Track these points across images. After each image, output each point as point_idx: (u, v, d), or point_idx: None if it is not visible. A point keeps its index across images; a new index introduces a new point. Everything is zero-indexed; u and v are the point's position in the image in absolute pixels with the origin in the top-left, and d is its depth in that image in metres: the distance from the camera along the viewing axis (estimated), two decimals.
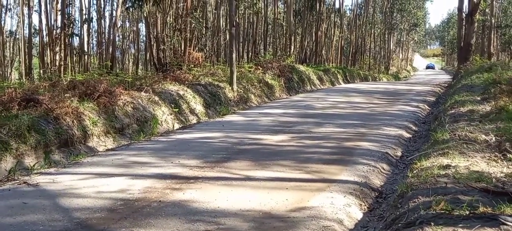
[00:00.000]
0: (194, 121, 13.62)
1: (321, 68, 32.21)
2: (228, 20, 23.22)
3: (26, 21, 25.66)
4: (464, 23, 30.58)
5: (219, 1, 26.19)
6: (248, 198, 5.83)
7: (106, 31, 27.47)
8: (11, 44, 29.86)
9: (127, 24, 32.54)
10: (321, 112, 15.19)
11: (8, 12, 28.92)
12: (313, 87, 26.99)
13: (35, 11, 25.40)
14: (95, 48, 28.63)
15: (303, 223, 5.06)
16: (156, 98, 13.04)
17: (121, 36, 30.51)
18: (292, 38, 33.35)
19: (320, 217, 5.25)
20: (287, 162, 7.90)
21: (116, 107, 11.24)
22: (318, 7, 36.31)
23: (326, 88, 28.02)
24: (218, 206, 5.54)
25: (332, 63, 40.90)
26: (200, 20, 21.96)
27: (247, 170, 7.36)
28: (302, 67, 28.43)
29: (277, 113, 14.76)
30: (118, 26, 27.55)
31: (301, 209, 5.50)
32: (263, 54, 30.01)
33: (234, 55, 18.05)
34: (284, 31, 34.68)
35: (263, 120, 13.45)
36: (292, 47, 33.17)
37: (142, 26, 30.73)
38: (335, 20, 43.67)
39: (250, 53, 31.14)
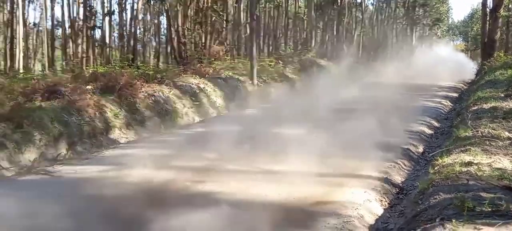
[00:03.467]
0: (214, 114, 13.65)
1: (342, 63, 31.90)
2: (248, 14, 23.20)
3: (49, 13, 25.95)
4: (488, 19, 30.08)
5: None
6: (268, 191, 5.84)
7: (128, 24, 27.63)
8: (35, 36, 30.19)
9: (148, 17, 32.66)
10: (342, 107, 15.07)
11: (31, 4, 29.25)
12: (334, 81, 26.76)
13: (58, 3, 25.68)
14: (116, 41, 28.82)
15: (323, 217, 5.06)
16: (177, 91, 13.10)
17: (142, 29, 30.65)
18: (313, 32, 33.19)
19: (340, 212, 5.24)
20: (307, 156, 7.86)
21: (137, 100, 11.33)
22: (339, 1, 36.07)
23: (347, 82, 27.76)
24: (238, 198, 5.57)
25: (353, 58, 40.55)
26: (221, 13, 21.98)
27: (268, 163, 7.36)
28: (323, 62, 28.28)
29: (297, 108, 14.64)
30: (139, 19, 27.69)
31: (321, 203, 5.49)
32: (283, 49, 29.93)
33: (254, 49, 18.04)
34: (305, 26, 34.53)
35: (283, 113, 13.38)
36: (313, 42, 33.01)
37: (163, 19, 30.83)
38: (357, 14, 43.32)
39: (271, 47, 31.10)
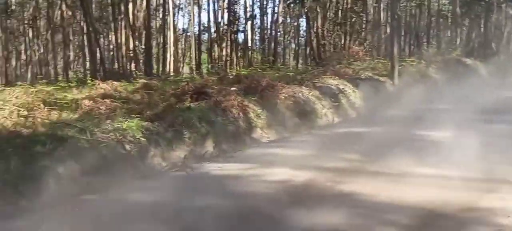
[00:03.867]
0: (354, 115, 13.54)
1: (490, 62, 29.97)
2: (389, 13, 22.66)
3: (196, 19, 27.50)
4: None
5: None
6: (412, 194, 5.67)
7: (268, 27, 28.37)
8: (183, 41, 32.12)
9: (288, 20, 33.21)
10: (491, 107, 14.17)
11: (180, 11, 31.20)
12: (481, 82, 25.22)
13: (204, 9, 27.09)
14: (258, 43, 29.71)
15: (471, 224, 4.82)
16: (316, 92, 13.18)
17: (282, 32, 31.26)
18: (458, 30, 31.48)
19: (490, 219, 4.95)
20: (452, 159, 7.52)
21: (278, 101, 11.59)
22: None
23: (497, 83, 26.00)
24: (380, 200, 5.49)
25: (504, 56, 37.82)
26: (361, 14, 21.74)
27: (411, 166, 7.14)
28: (469, 61, 26.73)
29: (441, 109, 14.08)
30: (280, 22, 28.29)
31: (469, 209, 5.22)
32: (425, 48, 28.78)
33: (395, 49, 17.58)
34: (449, 23, 32.85)
35: (425, 115, 12.91)
36: (458, 40, 31.32)
37: (302, 22, 31.18)
38: (507, 10, 40.24)
39: (412, 47, 30.05)
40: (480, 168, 7.00)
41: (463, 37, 33.65)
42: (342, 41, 20.07)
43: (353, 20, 20.51)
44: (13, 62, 26.42)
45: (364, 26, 23.24)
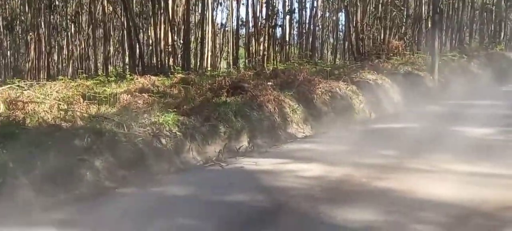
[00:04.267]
0: (392, 111, 13.34)
1: None
2: (430, 7, 22.19)
3: (235, 13, 27.55)
4: None
5: None
6: (449, 192, 5.55)
7: (307, 21, 28.21)
8: (221, 36, 32.25)
9: (327, 14, 32.95)
10: None
11: (219, 6, 31.31)
12: None
13: (243, 4, 27.10)
14: (296, 38, 29.58)
15: (509, 224, 4.69)
16: (354, 87, 13.04)
17: (320, 26, 31.04)
18: (502, 24, 30.64)
19: None
20: (493, 157, 7.32)
21: (315, 96, 11.52)
22: None
23: None
24: (415, 198, 5.39)
25: None
26: (402, 8, 21.39)
27: (448, 163, 6.99)
28: None
29: (482, 105, 13.76)
30: (318, 16, 28.10)
31: (507, 209, 5.08)
32: (468, 42, 28.11)
33: (436, 44, 17.20)
34: (493, 17, 31.99)
35: (466, 111, 12.64)
36: (502, 34, 30.50)
37: (341, 16, 30.89)
38: None
39: (454, 41, 29.37)
40: None
41: (507, 31, 32.74)
42: (382, 36, 19.77)
43: (393, 14, 20.17)
44: (55, 57, 27.05)
45: (404, 20, 22.85)
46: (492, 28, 31.64)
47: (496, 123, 10.54)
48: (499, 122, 10.81)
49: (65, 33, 26.67)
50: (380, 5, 19.91)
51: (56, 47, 27.03)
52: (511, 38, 32.04)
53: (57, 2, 26.01)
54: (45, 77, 21.84)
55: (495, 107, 13.15)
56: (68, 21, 26.55)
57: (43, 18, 25.06)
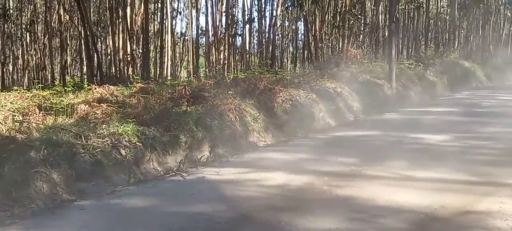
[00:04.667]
0: (352, 119, 13.52)
1: (488, 65, 30.05)
2: (387, 16, 22.65)
3: (194, 23, 27.48)
4: None
5: None
6: (408, 198, 5.64)
7: (266, 30, 28.37)
8: (181, 45, 32.12)
9: (286, 23, 33.24)
10: (488, 111, 14.20)
11: (178, 15, 31.20)
12: (479, 84, 25.30)
13: (202, 13, 27.11)
14: (256, 47, 29.71)
15: (468, 228, 4.79)
16: (314, 95, 13.15)
17: (280, 35, 31.28)
18: (456, 33, 31.53)
19: (488, 223, 4.91)
20: (450, 163, 7.49)
21: (275, 104, 11.56)
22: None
23: (494, 85, 26.10)
24: (376, 205, 5.45)
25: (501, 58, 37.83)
26: (359, 17, 21.73)
27: (407, 170, 7.12)
28: (467, 64, 26.79)
29: (439, 112, 14.11)
30: (278, 25, 28.30)
31: (465, 213, 5.19)
32: (423, 50, 28.80)
33: (393, 52, 17.56)
34: (447, 26, 32.90)
35: (423, 118, 12.94)
36: (456, 43, 31.38)
37: (300, 25, 31.21)
38: (506, 13, 40.24)
39: (410, 50, 30.05)
40: (477, 172, 6.99)
41: (461, 40, 33.71)
42: (340, 44, 20.03)
43: (351, 23, 20.47)
44: (10, 67, 26.37)
45: (362, 29, 23.22)
46: (447, 37, 32.52)
47: (452, 130, 10.80)
48: (455, 128, 11.08)
49: (20, 42, 26.04)
50: (338, 14, 20.18)
51: (11, 57, 26.36)
52: (465, 46, 32.95)
53: (11, 11, 25.38)
54: None
55: (450, 114, 13.49)
56: (23, 30, 25.93)
57: None
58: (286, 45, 34.81)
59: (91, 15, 23.01)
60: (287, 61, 34.00)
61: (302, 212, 5.28)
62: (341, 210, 5.33)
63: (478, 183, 6.48)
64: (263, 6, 28.87)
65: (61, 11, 23.57)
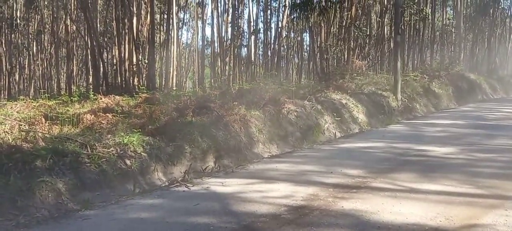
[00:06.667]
0: (356, 130, 13.50)
1: (494, 77, 30.01)
2: (392, 28, 22.67)
3: (200, 33, 27.61)
4: None
5: (384, 9, 25.69)
6: (413, 211, 5.62)
7: (272, 42, 28.44)
8: (187, 55, 32.23)
9: (292, 35, 33.31)
10: (493, 123, 14.17)
11: (184, 26, 31.32)
12: (484, 97, 25.25)
13: (208, 24, 27.23)
14: (261, 58, 29.77)
15: None
16: (319, 107, 13.16)
17: (285, 46, 31.35)
18: (462, 45, 31.52)
19: None
20: (455, 175, 7.47)
21: (280, 115, 11.56)
22: (491, 12, 33.84)
23: (500, 98, 26.03)
24: (381, 217, 5.43)
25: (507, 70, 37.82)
26: (364, 28, 21.76)
27: (412, 182, 7.10)
28: (472, 76, 26.76)
29: (444, 124, 14.08)
30: (283, 36, 28.36)
31: (471, 226, 5.16)
32: (429, 62, 28.78)
33: (398, 64, 17.56)
34: (453, 38, 32.91)
35: (429, 130, 12.92)
36: (462, 55, 31.36)
37: (306, 36, 31.27)
38: (511, 25, 40.24)
39: (416, 61, 30.04)
40: (483, 184, 6.95)
41: (467, 52, 33.69)
42: (346, 56, 20.03)
43: (356, 35, 20.48)
44: (17, 77, 26.51)
45: (367, 41, 23.24)
46: (452, 49, 32.49)
47: (457, 142, 10.78)
48: (460, 141, 11.06)
49: (27, 52, 26.19)
50: (343, 26, 20.21)
51: (18, 66, 26.49)
52: (470, 58, 32.93)
53: (18, 21, 25.55)
54: (6, 97, 21.35)
55: (456, 127, 13.45)
56: (30, 40, 26.08)
57: (4, 37, 24.56)
58: (292, 56, 34.87)
59: (98, 25, 23.13)
60: (292, 72, 34.04)
61: (307, 224, 5.26)
62: (345, 222, 5.31)
63: (483, 195, 6.44)
64: (269, 17, 29.02)
65: (68, 21, 23.70)
